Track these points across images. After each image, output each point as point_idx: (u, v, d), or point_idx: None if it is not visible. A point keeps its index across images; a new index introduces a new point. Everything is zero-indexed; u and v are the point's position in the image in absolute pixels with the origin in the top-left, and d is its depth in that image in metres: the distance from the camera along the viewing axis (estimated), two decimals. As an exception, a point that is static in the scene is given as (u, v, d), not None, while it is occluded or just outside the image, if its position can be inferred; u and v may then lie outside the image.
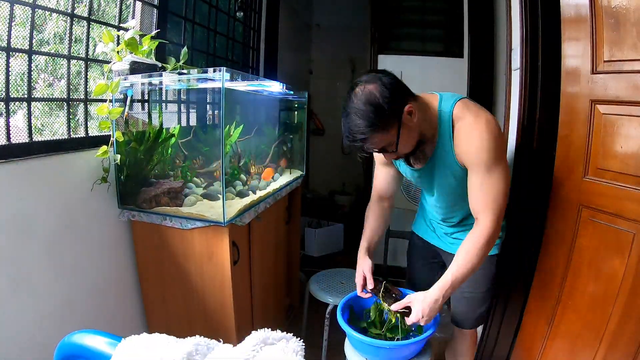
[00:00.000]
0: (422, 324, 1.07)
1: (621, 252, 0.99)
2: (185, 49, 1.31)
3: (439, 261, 1.37)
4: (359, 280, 1.22)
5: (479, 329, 1.45)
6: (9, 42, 0.97)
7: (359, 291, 1.22)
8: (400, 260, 2.56)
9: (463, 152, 1.03)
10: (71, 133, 1.18)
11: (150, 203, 1.25)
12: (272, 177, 1.72)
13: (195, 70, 1.26)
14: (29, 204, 0.99)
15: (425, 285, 1.11)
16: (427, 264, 1.40)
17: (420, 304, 1.05)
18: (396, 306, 1.10)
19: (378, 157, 1.27)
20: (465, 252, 1.03)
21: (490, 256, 1.13)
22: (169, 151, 1.34)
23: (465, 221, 1.23)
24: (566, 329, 1.18)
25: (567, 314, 1.17)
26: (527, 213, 1.34)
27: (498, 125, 1.03)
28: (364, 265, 1.23)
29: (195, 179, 1.38)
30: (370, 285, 1.19)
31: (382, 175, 1.30)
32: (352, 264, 1.41)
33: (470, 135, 1.01)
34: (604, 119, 1.05)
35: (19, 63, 1.02)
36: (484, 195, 1.02)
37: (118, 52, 1.17)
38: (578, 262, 1.14)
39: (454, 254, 1.07)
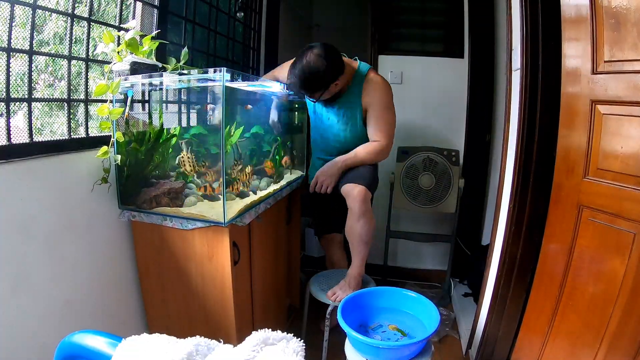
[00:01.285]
0: (322, 186, 1.53)
1: (621, 252, 0.99)
2: (185, 50, 1.31)
3: (334, 201, 1.66)
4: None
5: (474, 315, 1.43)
6: (9, 43, 0.97)
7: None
8: (400, 261, 2.57)
9: (370, 97, 1.50)
10: (71, 133, 1.18)
11: (150, 203, 1.25)
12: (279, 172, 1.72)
13: (196, 70, 1.26)
14: (29, 204, 0.99)
15: (329, 224, 1.82)
16: (326, 205, 1.77)
17: (320, 170, 1.56)
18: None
19: (278, 74, 1.74)
20: (365, 149, 1.53)
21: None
22: (170, 151, 1.34)
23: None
24: (566, 329, 1.18)
25: (568, 314, 1.17)
26: (527, 213, 1.34)
27: (391, 88, 1.58)
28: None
29: (196, 179, 1.38)
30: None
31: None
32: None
33: (377, 88, 1.52)
34: (604, 119, 1.05)
35: (19, 63, 1.03)
36: (381, 124, 1.51)
37: (118, 52, 1.17)
38: (578, 262, 1.14)
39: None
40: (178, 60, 1.30)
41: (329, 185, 1.50)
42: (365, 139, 1.60)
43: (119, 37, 1.22)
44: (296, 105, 2.09)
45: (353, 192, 1.48)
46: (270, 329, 0.63)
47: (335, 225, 1.81)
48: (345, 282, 1.59)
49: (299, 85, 1.45)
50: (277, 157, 1.74)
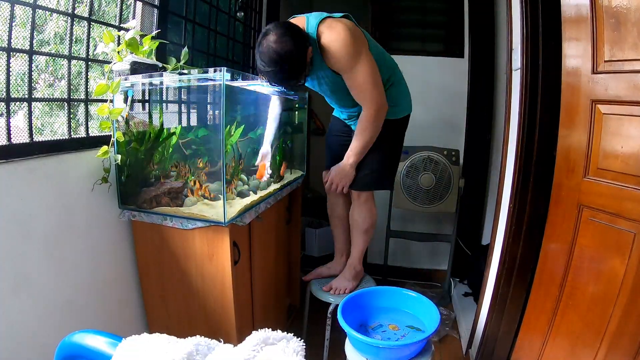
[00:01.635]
0: (336, 188, 1.48)
1: (621, 252, 0.99)
2: (185, 49, 1.31)
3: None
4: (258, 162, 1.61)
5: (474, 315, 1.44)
6: (9, 43, 0.97)
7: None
8: (400, 260, 2.57)
9: (331, 64, 1.32)
10: (72, 133, 1.18)
11: (150, 203, 1.25)
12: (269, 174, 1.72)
13: (196, 70, 1.26)
14: (29, 203, 0.99)
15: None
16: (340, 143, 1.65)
17: (333, 171, 1.48)
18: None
19: None
20: (360, 130, 1.40)
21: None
22: (170, 151, 1.34)
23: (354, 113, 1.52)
24: (566, 328, 1.18)
25: (568, 314, 1.17)
26: (527, 213, 1.34)
27: (347, 30, 1.28)
28: (263, 150, 1.63)
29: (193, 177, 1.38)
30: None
31: None
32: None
33: (329, 49, 1.28)
34: (604, 119, 1.05)
35: (19, 63, 1.02)
36: (356, 91, 1.35)
37: (119, 52, 1.17)
38: (578, 262, 1.14)
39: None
40: (178, 60, 1.30)
41: (345, 185, 1.46)
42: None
43: (119, 36, 1.22)
44: (296, 105, 2.09)
45: (354, 196, 1.57)
46: (270, 329, 0.63)
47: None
48: (342, 274, 1.60)
49: (280, 79, 1.28)
50: (277, 157, 1.73)
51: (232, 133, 1.43)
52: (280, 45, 1.20)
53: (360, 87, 1.32)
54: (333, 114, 1.75)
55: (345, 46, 1.26)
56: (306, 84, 1.50)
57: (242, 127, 1.47)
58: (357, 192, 1.55)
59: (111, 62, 1.18)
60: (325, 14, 1.34)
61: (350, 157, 1.43)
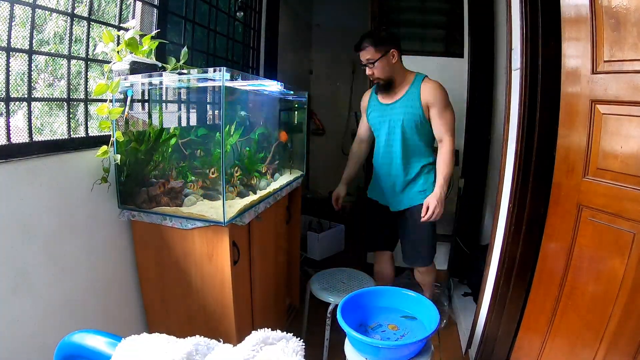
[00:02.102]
0: (435, 216, 1.57)
1: (621, 252, 0.99)
2: (185, 49, 1.31)
3: (389, 222, 1.84)
4: (334, 201, 1.91)
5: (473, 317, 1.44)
6: (9, 42, 0.97)
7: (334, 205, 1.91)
8: (400, 260, 2.56)
9: (428, 96, 1.62)
10: (71, 133, 1.18)
11: (150, 203, 1.25)
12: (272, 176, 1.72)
13: (195, 70, 1.26)
14: (29, 203, 0.99)
15: (382, 243, 1.88)
16: (381, 224, 1.87)
17: (432, 199, 1.58)
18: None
19: (362, 105, 1.86)
20: (442, 162, 1.62)
21: (419, 206, 1.64)
22: (169, 151, 1.34)
23: (413, 173, 1.72)
24: (566, 328, 1.18)
25: (567, 314, 1.17)
26: (527, 213, 1.34)
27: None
28: (340, 190, 1.92)
29: (193, 177, 1.38)
30: (336, 207, 1.91)
31: (363, 125, 1.89)
32: (353, 264, 1.43)
33: (432, 88, 1.63)
34: (604, 119, 1.05)
35: (19, 63, 1.02)
36: (444, 122, 1.63)
37: (118, 52, 1.17)
38: (578, 262, 1.14)
39: (402, 210, 1.73)
40: (178, 60, 1.30)
41: (440, 212, 1.58)
42: (421, 139, 1.69)
43: (118, 36, 1.22)
44: (296, 105, 2.09)
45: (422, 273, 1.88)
46: (270, 329, 0.63)
47: (388, 244, 1.89)
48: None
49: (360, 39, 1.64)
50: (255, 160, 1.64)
51: (232, 133, 1.43)
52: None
53: (447, 121, 1.62)
54: (369, 195, 1.91)
55: (447, 95, 1.65)
56: (377, 117, 1.74)
57: (242, 128, 1.47)
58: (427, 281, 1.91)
59: (111, 61, 1.18)
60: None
61: (442, 186, 1.60)
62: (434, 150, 1.72)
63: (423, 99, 1.62)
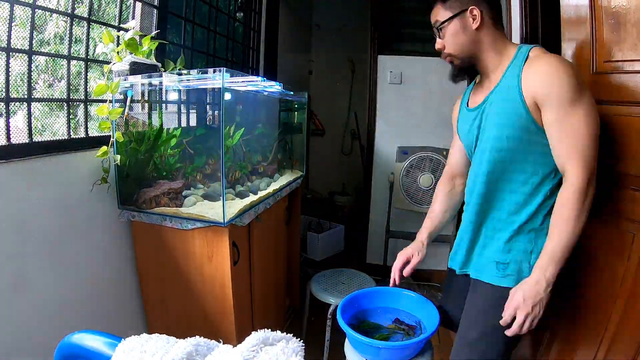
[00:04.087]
0: (521, 329, 0.86)
1: (621, 252, 0.99)
2: (182, 57, 1.31)
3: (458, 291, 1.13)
4: (395, 268, 1.14)
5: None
6: (9, 43, 0.97)
7: (393, 280, 1.15)
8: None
9: (534, 84, 0.88)
10: (71, 133, 1.18)
11: (150, 203, 1.25)
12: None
13: (195, 71, 1.26)
14: (29, 204, 0.99)
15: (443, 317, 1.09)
16: (458, 299, 1.14)
17: (519, 293, 0.86)
18: None
19: (454, 119, 1.19)
20: (558, 215, 0.87)
21: (500, 288, 0.95)
22: (169, 151, 1.34)
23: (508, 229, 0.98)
24: (566, 329, 1.18)
25: (567, 314, 1.17)
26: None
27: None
28: (418, 250, 1.13)
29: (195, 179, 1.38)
30: (396, 280, 1.15)
31: (454, 148, 1.20)
32: (353, 264, 1.43)
33: (546, 66, 0.87)
34: (604, 120, 1.05)
35: (19, 63, 1.02)
36: (567, 137, 0.85)
37: (118, 52, 1.17)
38: (578, 262, 1.14)
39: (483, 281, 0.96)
40: (175, 64, 1.30)
41: (537, 318, 0.87)
42: (527, 166, 0.95)
43: (118, 37, 1.22)
44: (295, 105, 2.09)
45: None
46: (269, 329, 0.63)
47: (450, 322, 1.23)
48: None
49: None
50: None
51: (232, 134, 1.43)
52: None
53: (575, 135, 0.85)
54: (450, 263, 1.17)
55: (571, 74, 0.85)
56: (466, 130, 1.07)
57: (242, 129, 1.47)
58: None
59: (110, 62, 1.18)
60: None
61: (547, 266, 0.86)
62: (556, 186, 0.94)
63: (526, 91, 0.89)
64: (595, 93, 1.07)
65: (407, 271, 1.11)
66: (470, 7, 0.96)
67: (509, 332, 0.88)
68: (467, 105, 1.09)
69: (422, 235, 1.16)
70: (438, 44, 1.04)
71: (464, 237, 1.08)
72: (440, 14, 1.00)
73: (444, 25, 0.99)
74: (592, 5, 1.05)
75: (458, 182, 1.21)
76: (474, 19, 0.97)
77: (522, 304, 0.86)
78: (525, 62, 0.92)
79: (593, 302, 1.08)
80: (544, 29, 1.25)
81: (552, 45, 1.23)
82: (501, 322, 0.89)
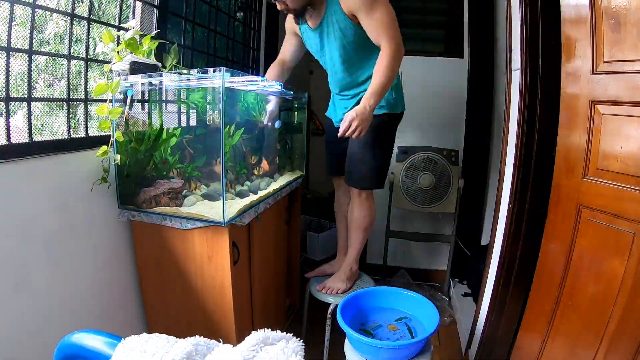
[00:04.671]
0: (356, 131, 1.27)
1: (621, 252, 0.99)
2: (175, 47, 1.32)
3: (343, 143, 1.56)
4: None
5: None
6: (9, 42, 0.97)
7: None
8: (400, 261, 2.57)
9: (349, 5, 1.32)
10: (71, 133, 1.18)
11: (150, 203, 1.25)
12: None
13: (195, 71, 1.26)
14: (29, 203, 0.99)
15: (335, 166, 1.66)
16: (337, 147, 1.63)
17: (351, 113, 1.28)
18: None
19: (288, 26, 1.60)
20: (377, 69, 1.31)
21: (374, 116, 1.35)
22: (169, 152, 1.34)
23: (360, 82, 1.48)
24: (566, 329, 1.18)
25: (567, 314, 1.17)
26: (527, 213, 1.34)
27: None
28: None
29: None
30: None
31: (289, 44, 1.65)
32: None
33: None
34: (604, 120, 1.05)
35: (19, 63, 1.02)
36: (377, 27, 1.32)
37: (118, 52, 1.17)
38: (578, 263, 1.14)
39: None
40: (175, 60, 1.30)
41: (364, 129, 1.30)
42: (366, 52, 1.43)
43: (118, 36, 1.22)
44: (295, 105, 2.09)
45: (354, 193, 1.56)
46: (269, 329, 0.63)
47: (342, 168, 1.64)
48: (337, 274, 1.61)
49: None
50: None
51: (232, 133, 1.43)
52: None
53: (380, 22, 1.30)
54: (327, 114, 1.75)
55: None
56: (313, 46, 1.50)
57: (242, 129, 1.47)
58: (357, 190, 1.54)
59: (111, 62, 1.18)
60: None
61: (370, 98, 1.30)
62: None
63: (345, 9, 1.33)
64: (595, 93, 1.07)
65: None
66: None
67: (340, 134, 1.30)
68: (309, 26, 1.47)
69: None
70: (279, 5, 1.35)
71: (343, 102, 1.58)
72: None
73: None
74: (592, 5, 1.05)
75: (285, 67, 1.67)
76: None
77: (354, 117, 1.26)
78: None
79: (593, 302, 1.08)
80: (544, 29, 1.26)
81: (552, 45, 1.24)
82: (340, 131, 1.29)
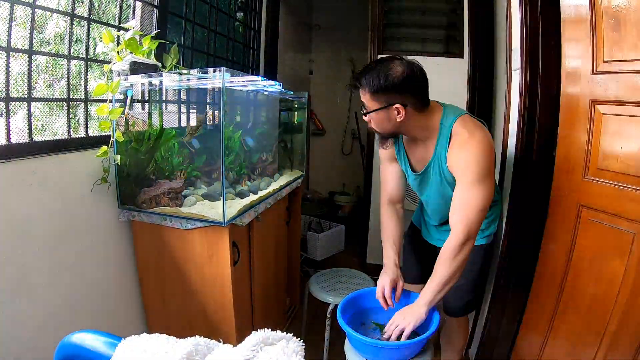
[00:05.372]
0: (395, 332, 1.11)
1: (621, 252, 0.99)
2: (175, 46, 1.31)
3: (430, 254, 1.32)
4: (380, 296, 1.24)
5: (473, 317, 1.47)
6: (9, 42, 0.97)
7: (382, 303, 1.24)
8: (399, 260, 2.56)
9: (453, 164, 1.10)
10: (71, 133, 1.18)
11: (150, 203, 1.25)
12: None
13: (195, 70, 1.26)
14: (29, 203, 0.99)
15: (416, 276, 1.42)
16: (420, 256, 1.46)
17: (407, 315, 1.12)
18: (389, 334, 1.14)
19: (382, 153, 1.32)
20: (441, 261, 1.11)
21: (476, 247, 1.16)
22: (167, 152, 1.34)
23: None
24: (566, 329, 1.18)
25: (567, 314, 1.17)
26: (527, 213, 1.34)
27: (490, 144, 1.09)
28: (393, 275, 1.27)
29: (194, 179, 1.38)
30: (390, 303, 1.23)
31: (390, 174, 1.33)
32: (353, 264, 1.43)
33: (461, 150, 1.08)
34: (604, 119, 1.05)
35: (19, 63, 1.02)
36: (461, 207, 1.09)
37: (118, 52, 1.17)
38: (578, 263, 1.14)
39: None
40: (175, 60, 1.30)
41: (409, 329, 1.11)
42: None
43: (118, 36, 1.22)
44: (295, 105, 2.09)
45: (453, 320, 1.42)
46: (269, 329, 0.63)
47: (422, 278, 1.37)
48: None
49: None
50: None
51: (232, 133, 1.43)
52: (395, 63, 1.06)
53: (469, 207, 1.07)
54: (418, 207, 1.50)
55: (483, 160, 1.06)
56: (416, 184, 1.27)
57: (240, 131, 1.48)
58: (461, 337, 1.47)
59: (111, 62, 1.18)
60: (462, 112, 1.14)
61: (426, 295, 1.11)
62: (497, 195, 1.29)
63: (449, 166, 1.11)
64: (596, 93, 1.07)
65: (397, 297, 1.25)
66: (396, 105, 1.06)
67: (384, 337, 1.14)
68: (410, 164, 1.25)
69: (395, 260, 1.31)
70: (365, 118, 1.14)
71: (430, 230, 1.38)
72: (367, 99, 1.09)
73: (370, 113, 1.10)
74: (592, 5, 1.05)
75: (398, 207, 1.36)
76: (398, 113, 1.08)
77: (401, 320, 1.12)
78: (449, 141, 1.11)
79: (593, 302, 1.08)
80: (544, 29, 1.26)
81: (552, 46, 1.24)
82: (385, 334, 1.14)
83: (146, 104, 1.37)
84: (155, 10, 1.50)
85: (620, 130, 1.01)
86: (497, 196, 1.32)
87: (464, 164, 1.07)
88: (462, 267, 1.10)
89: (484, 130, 1.10)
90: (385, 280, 1.24)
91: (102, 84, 1.10)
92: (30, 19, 1.02)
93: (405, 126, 1.12)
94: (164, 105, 1.46)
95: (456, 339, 1.48)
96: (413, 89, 1.07)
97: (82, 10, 1.19)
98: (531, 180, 1.32)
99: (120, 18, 1.33)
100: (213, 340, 0.63)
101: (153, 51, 1.29)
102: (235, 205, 1.28)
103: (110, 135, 1.19)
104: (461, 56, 2.32)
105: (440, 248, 1.15)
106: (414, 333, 1.17)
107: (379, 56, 2.42)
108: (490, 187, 1.09)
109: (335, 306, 1.48)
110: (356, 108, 3.74)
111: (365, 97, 1.09)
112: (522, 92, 1.31)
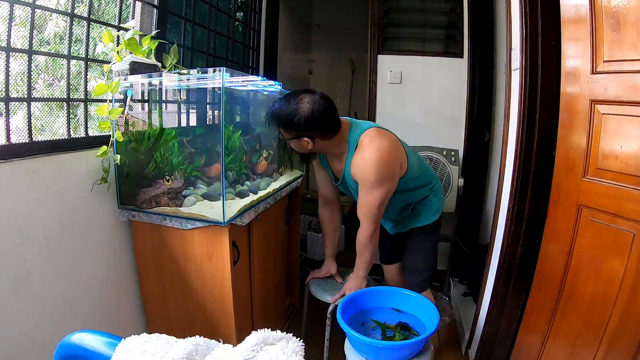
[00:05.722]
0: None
1: (621, 252, 0.99)
2: (174, 46, 1.31)
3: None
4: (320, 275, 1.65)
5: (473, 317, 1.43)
6: (8, 42, 0.97)
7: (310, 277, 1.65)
8: (400, 260, 2.56)
9: (355, 171, 1.29)
10: (71, 133, 1.18)
11: (150, 203, 1.25)
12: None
13: (195, 70, 1.26)
14: (29, 203, 0.99)
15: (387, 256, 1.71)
16: (387, 242, 1.66)
17: (350, 281, 1.46)
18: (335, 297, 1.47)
19: (314, 161, 1.49)
20: (360, 251, 1.41)
21: (427, 226, 1.50)
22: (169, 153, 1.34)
23: (396, 216, 1.54)
24: (566, 328, 1.18)
25: (567, 314, 1.17)
26: (526, 213, 1.34)
27: (389, 150, 1.26)
28: (330, 267, 1.66)
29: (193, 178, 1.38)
30: (338, 279, 1.64)
31: (321, 179, 1.56)
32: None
33: (359, 160, 1.26)
34: (603, 119, 1.05)
35: (18, 63, 1.02)
36: (365, 205, 1.31)
37: (118, 52, 1.17)
38: (578, 262, 1.14)
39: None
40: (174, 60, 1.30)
41: (347, 293, 1.42)
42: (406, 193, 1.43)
43: (118, 36, 1.22)
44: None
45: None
46: (269, 329, 0.63)
47: (394, 257, 1.71)
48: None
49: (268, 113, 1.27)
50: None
51: (232, 133, 1.43)
52: (304, 100, 1.19)
53: (372, 205, 1.29)
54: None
55: (381, 166, 1.24)
56: (339, 183, 1.45)
57: (240, 132, 1.47)
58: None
59: (110, 62, 1.18)
60: (372, 124, 1.33)
61: (359, 271, 1.44)
62: (430, 179, 1.50)
63: (352, 173, 1.30)
64: (595, 93, 1.07)
65: (339, 279, 1.64)
66: (305, 139, 1.23)
67: (332, 300, 1.48)
68: (333, 173, 1.46)
69: (329, 253, 1.68)
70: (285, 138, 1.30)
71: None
72: (281, 130, 1.27)
73: (286, 140, 1.29)
74: (592, 5, 1.05)
75: (332, 207, 1.63)
76: (307, 143, 1.25)
77: (350, 289, 1.42)
78: (355, 150, 1.28)
79: (593, 302, 1.08)
80: (544, 29, 1.26)
81: (552, 45, 1.24)
82: (332, 300, 1.48)
83: (146, 104, 1.37)
84: (155, 10, 1.50)
85: (619, 130, 1.01)
86: (431, 179, 1.51)
87: (362, 170, 1.25)
88: (376, 247, 1.42)
89: (384, 140, 1.27)
90: (325, 268, 1.66)
91: (102, 84, 1.10)
92: (30, 19, 1.02)
93: (319, 149, 1.32)
94: (163, 105, 1.46)
95: None
96: (317, 126, 1.21)
97: (81, 10, 1.19)
98: (531, 180, 1.32)
99: (120, 18, 1.33)
100: (213, 340, 0.63)
101: (153, 51, 1.29)
102: (235, 205, 1.28)
103: (110, 135, 1.19)
104: (461, 56, 2.33)
105: (394, 235, 1.57)
106: (414, 333, 1.17)
107: (379, 56, 2.43)
108: (391, 186, 1.29)
109: (335, 306, 1.48)
110: (356, 108, 3.74)
111: (277, 128, 1.27)
112: (521, 91, 1.31)
